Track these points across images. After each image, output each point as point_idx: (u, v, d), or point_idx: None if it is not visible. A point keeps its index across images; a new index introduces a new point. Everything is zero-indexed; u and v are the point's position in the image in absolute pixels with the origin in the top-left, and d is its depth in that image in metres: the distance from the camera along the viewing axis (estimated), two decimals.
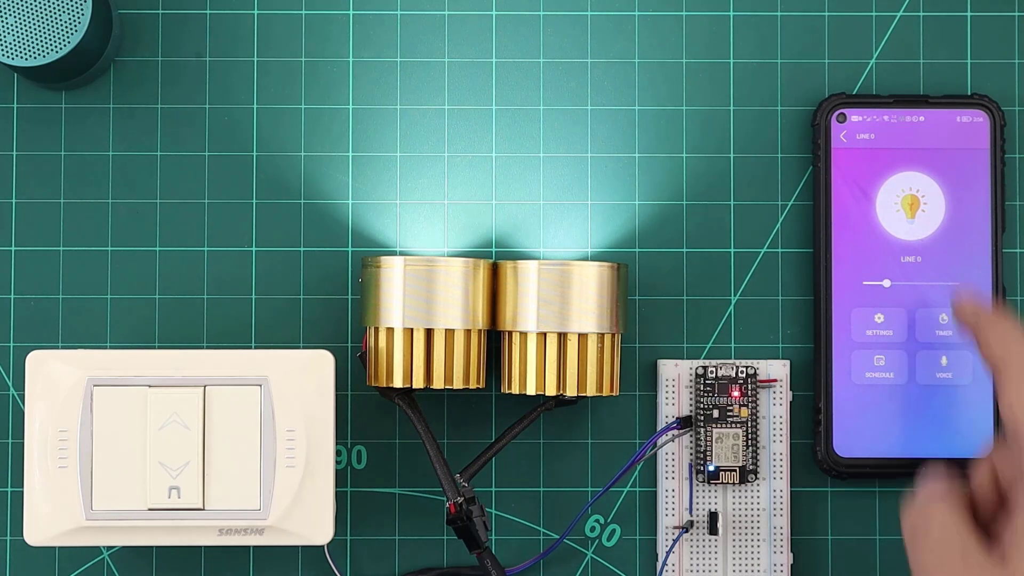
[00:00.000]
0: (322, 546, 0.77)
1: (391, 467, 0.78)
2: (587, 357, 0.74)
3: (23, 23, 0.74)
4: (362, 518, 0.78)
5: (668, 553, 0.77)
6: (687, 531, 0.77)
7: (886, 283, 0.77)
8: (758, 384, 0.77)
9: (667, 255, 0.79)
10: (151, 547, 0.78)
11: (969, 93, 0.79)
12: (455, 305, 0.73)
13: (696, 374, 0.77)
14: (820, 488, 0.78)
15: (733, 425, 0.77)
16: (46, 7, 0.74)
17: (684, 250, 0.79)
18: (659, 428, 0.78)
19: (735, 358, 0.78)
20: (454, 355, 0.74)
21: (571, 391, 0.74)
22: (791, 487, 0.78)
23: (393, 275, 0.73)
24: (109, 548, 0.78)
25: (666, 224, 0.79)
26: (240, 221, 0.78)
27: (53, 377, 0.71)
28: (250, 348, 0.78)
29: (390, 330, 0.73)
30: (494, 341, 0.77)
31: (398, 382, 0.73)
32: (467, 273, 0.74)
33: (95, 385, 0.71)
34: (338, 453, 0.78)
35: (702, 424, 0.77)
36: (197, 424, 0.71)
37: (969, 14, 0.79)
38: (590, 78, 0.79)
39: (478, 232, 0.78)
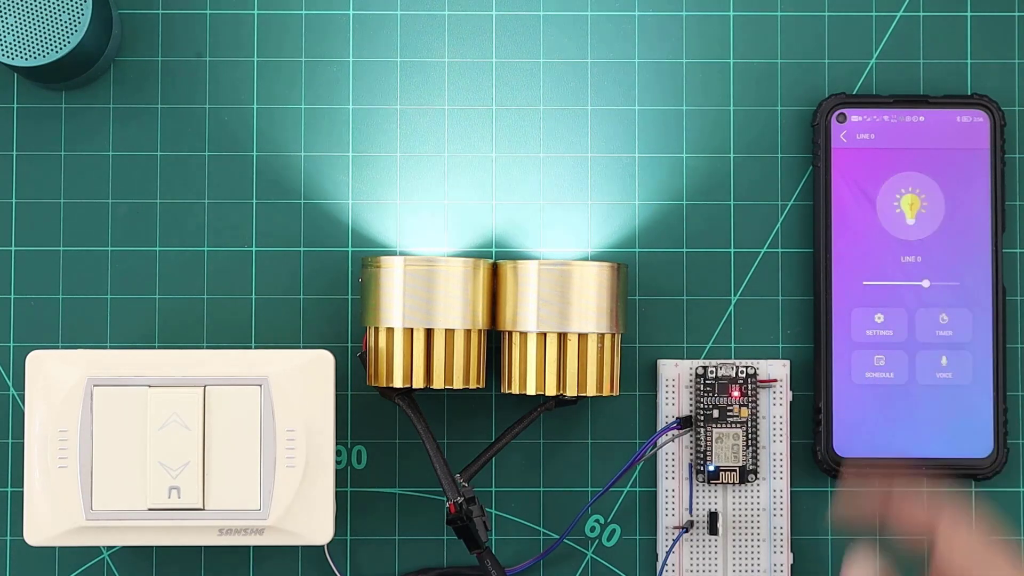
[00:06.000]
0: (322, 546, 0.77)
1: (391, 467, 0.78)
2: (587, 357, 0.74)
3: (23, 23, 0.74)
4: (362, 518, 0.78)
5: (668, 553, 0.77)
6: (687, 531, 0.77)
7: (886, 283, 0.77)
8: (758, 384, 0.77)
9: (667, 255, 0.79)
10: (151, 547, 0.78)
11: (969, 93, 0.79)
12: (455, 305, 0.73)
13: (696, 374, 0.77)
14: (820, 488, 0.78)
15: (733, 425, 0.77)
16: (46, 7, 0.74)
17: (684, 250, 0.79)
18: (659, 428, 0.78)
19: (735, 358, 0.78)
20: (454, 355, 0.74)
21: (571, 391, 0.74)
22: (791, 487, 0.78)
23: (393, 275, 0.73)
24: (109, 548, 0.78)
25: (666, 224, 0.79)
26: (240, 221, 0.78)
27: (53, 377, 0.71)
28: (250, 348, 0.78)
29: (390, 330, 0.73)
30: (494, 341, 0.77)
31: (398, 382, 0.73)
32: (467, 273, 0.74)
33: (95, 385, 0.71)
34: (338, 453, 0.78)
35: (702, 424, 0.77)
36: (197, 424, 0.71)
37: (969, 14, 0.79)
38: (590, 78, 0.79)
39: (478, 232, 0.78)
